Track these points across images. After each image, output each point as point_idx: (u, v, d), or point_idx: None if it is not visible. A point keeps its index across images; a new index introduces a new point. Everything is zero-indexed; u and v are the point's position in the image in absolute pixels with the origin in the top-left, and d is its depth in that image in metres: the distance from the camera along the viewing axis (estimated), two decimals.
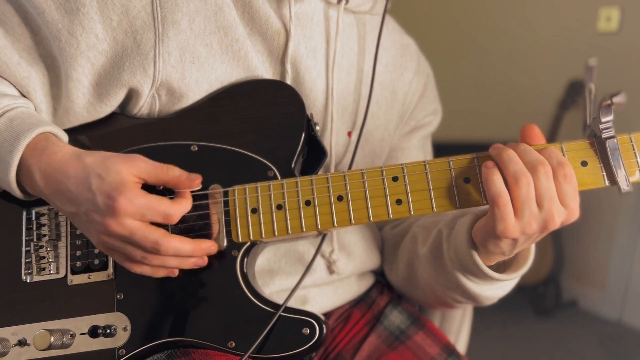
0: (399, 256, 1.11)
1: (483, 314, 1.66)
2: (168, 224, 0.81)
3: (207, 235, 0.87)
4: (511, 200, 0.77)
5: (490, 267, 0.89)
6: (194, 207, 0.86)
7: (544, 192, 0.77)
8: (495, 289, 0.95)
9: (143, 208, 0.77)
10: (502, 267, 0.93)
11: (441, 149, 1.15)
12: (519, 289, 1.00)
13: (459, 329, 1.26)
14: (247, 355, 0.83)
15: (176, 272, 0.85)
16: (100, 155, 0.80)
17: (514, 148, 0.80)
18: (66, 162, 0.80)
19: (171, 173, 0.81)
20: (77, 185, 0.78)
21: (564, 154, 0.81)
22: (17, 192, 0.85)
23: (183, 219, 0.86)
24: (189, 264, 0.83)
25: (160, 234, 0.79)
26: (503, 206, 0.77)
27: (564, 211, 0.78)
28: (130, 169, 0.78)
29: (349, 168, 0.95)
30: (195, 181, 0.83)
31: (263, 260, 0.98)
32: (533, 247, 0.90)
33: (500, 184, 0.78)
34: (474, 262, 0.87)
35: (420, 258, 1.02)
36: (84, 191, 0.78)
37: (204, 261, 0.84)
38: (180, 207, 0.81)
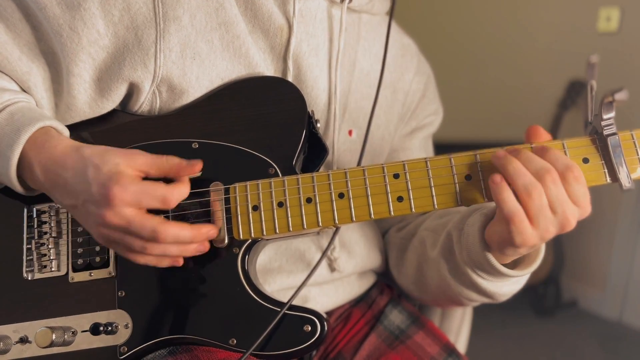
0: (408, 260, 1.11)
1: (483, 314, 1.65)
2: (167, 210, 0.78)
3: None
4: (525, 210, 0.77)
5: (503, 264, 0.89)
6: (196, 205, 0.87)
7: (555, 199, 0.76)
8: (510, 284, 0.94)
9: (138, 194, 0.76)
10: (514, 262, 0.93)
11: (442, 148, 1.15)
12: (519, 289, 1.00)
13: (459, 328, 1.26)
14: (248, 353, 0.83)
15: (181, 261, 0.83)
16: (99, 148, 0.80)
17: (516, 156, 0.79)
18: (66, 155, 0.80)
19: (171, 161, 0.80)
20: (74, 177, 0.78)
21: (565, 152, 0.81)
22: (17, 187, 0.85)
23: (185, 217, 0.86)
24: (191, 250, 0.82)
25: (158, 221, 0.77)
26: (520, 222, 0.77)
27: (577, 210, 0.78)
28: (129, 161, 0.78)
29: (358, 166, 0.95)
30: (196, 166, 0.81)
31: (264, 258, 0.98)
32: None
33: (513, 201, 0.77)
34: (490, 264, 0.87)
35: (431, 261, 1.01)
36: (80, 182, 0.77)
37: (206, 247, 0.83)
38: (177, 190, 0.79)
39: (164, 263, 0.82)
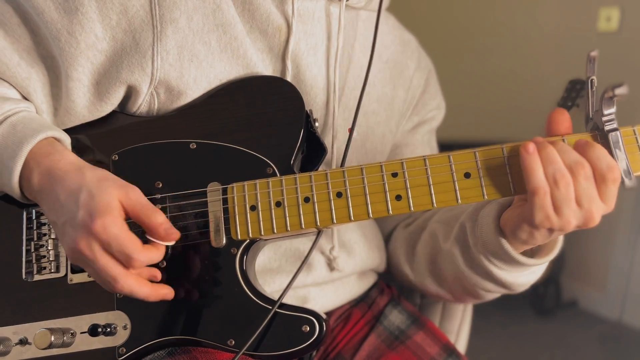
0: (419, 254, 1.10)
1: (483, 314, 1.65)
2: (166, 210, 0.78)
3: (206, 234, 0.87)
4: (550, 197, 0.76)
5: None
6: (194, 205, 0.87)
7: (583, 193, 0.76)
8: (526, 274, 0.94)
9: (111, 239, 0.75)
10: (529, 253, 0.92)
11: (441, 147, 1.15)
12: None
13: (459, 328, 1.26)
14: (242, 352, 0.83)
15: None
16: (100, 173, 0.80)
17: (553, 145, 0.78)
18: (67, 172, 0.80)
19: (153, 218, 0.79)
20: (67, 196, 0.78)
21: None
22: (19, 197, 0.86)
23: (182, 217, 0.86)
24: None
25: (120, 271, 0.77)
26: (544, 196, 0.76)
27: (604, 207, 0.77)
28: (121, 195, 0.78)
29: (342, 165, 0.95)
30: (171, 237, 0.80)
31: (263, 259, 0.98)
32: None
33: (542, 175, 0.76)
34: (504, 250, 0.87)
35: (445, 253, 1.01)
36: (70, 203, 0.78)
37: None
38: (148, 255, 0.78)
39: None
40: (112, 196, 0.77)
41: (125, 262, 0.77)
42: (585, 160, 0.76)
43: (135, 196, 0.79)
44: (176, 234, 0.81)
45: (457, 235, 0.98)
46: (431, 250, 1.06)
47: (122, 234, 0.76)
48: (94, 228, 0.75)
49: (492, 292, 1.00)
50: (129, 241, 0.76)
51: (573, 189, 0.76)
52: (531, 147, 0.77)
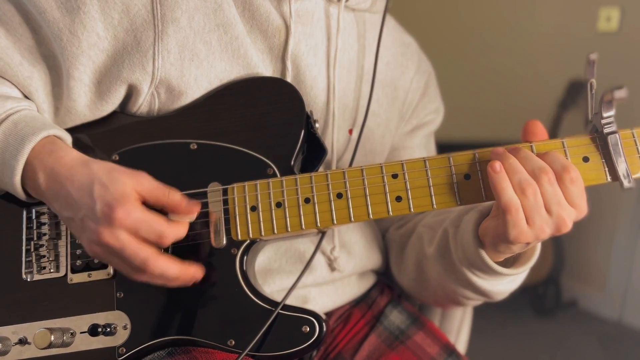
0: (407, 257, 1.11)
1: (483, 314, 1.65)
2: (162, 240, 0.78)
3: (206, 234, 0.87)
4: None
5: (498, 262, 0.89)
6: None
7: (550, 198, 0.77)
8: (505, 283, 0.94)
9: (139, 223, 0.76)
10: (510, 261, 0.93)
11: (441, 148, 1.15)
12: (519, 289, 1.00)
13: (459, 328, 1.25)
14: (244, 354, 0.83)
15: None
16: (107, 165, 0.80)
17: (514, 154, 0.80)
18: (73, 167, 0.80)
19: (172, 197, 0.80)
20: (79, 191, 0.78)
21: (565, 150, 0.81)
22: (22, 195, 0.85)
23: None
24: (175, 285, 0.82)
25: (150, 252, 0.77)
26: (516, 213, 0.77)
27: (573, 211, 0.78)
28: (134, 183, 0.78)
29: (350, 166, 0.95)
30: (194, 209, 0.81)
31: (263, 259, 0.98)
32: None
33: (512, 192, 0.77)
34: (483, 261, 0.88)
35: (428, 258, 1.02)
36: (84, 197, 0.77)
37: (189, 283, 0.83)
38: (175, 231, 0.80)
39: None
40: (126, 185, 0.77)
41: (157, 240, 0.78)
42: (547, 165, 0.77)
43: (147, 182, 0.79)
44: (197, 206, 0.82)
45: (439, 240, 0.98)
46: (417, 254, 1.06)
47: (147, 216, 0.77)
48: (116, 217, 0.75)
49: (472, 300, 1.01)
50: (157, 220, 0.78)
51: (540, 196, 0.77)
52: (497, 165, 0.78)
